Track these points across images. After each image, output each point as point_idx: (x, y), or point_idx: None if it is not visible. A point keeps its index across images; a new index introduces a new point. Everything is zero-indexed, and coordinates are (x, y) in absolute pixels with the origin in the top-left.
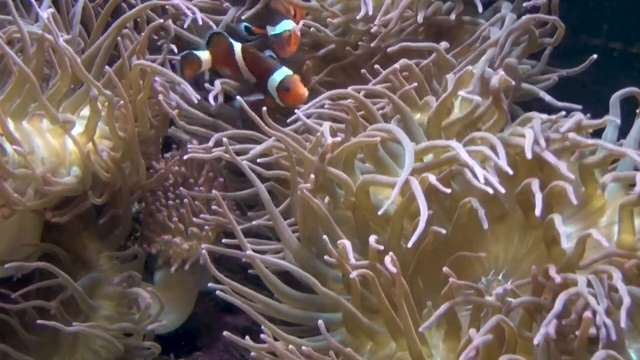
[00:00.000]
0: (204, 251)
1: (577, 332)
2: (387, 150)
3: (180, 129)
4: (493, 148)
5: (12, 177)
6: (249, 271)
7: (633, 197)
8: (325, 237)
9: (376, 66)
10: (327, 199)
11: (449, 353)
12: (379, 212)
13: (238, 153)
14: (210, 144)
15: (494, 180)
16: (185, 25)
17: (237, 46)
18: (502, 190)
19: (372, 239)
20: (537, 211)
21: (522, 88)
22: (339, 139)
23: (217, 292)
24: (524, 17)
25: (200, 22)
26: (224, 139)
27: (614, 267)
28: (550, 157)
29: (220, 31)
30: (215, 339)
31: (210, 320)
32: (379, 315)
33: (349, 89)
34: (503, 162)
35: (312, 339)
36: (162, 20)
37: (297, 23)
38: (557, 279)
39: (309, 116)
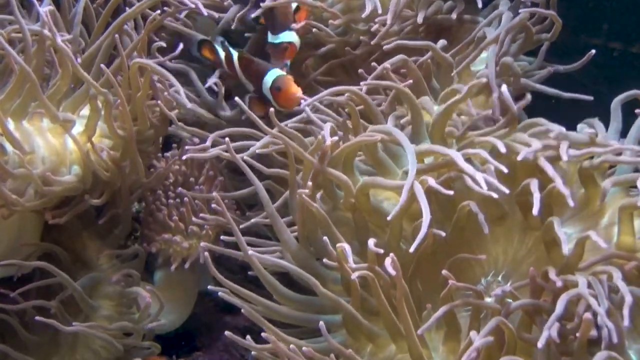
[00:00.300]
0: (205, 252)
1: (577, 333)
2: (387, 151)
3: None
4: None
5: (12, 177)
6: (249, 273)
7: (633, 201)
8: (325, 238)
9: (373, 63)
10: (320, 193)
11: (449, 355)
12: (388, 218)
13: (237, 151)
14: (208, 142)
15: (495, 181)
16: (182, 15)
17: (235, 54)
18: (506, 191)
19: (371, 242)
20: (535, 211)
21: (521, 85)
22: (336, 138)
23: (220, 294)
24: (520, 13)
25: (205, 13)
26: (227, 139)
27: (614, 267)
28: (548, 169)
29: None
30: (215, 339)
31: (210, 320)
32: (378, 317)
33: (353, 87)
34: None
35: (312, 341)
36: (159, 12)
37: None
38: (558, 282)
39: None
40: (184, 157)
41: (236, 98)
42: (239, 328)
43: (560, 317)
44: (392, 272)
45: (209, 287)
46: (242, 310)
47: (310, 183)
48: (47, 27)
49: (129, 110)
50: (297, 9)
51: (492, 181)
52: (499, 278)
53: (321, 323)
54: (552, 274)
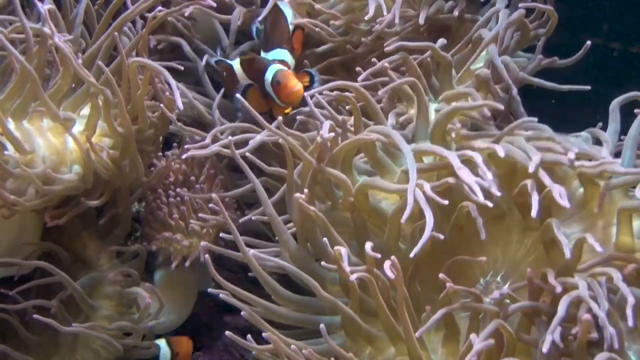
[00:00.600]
0: (206, 254)
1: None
2: (386, 150)
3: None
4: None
5: (12, 177)
6: (249, 274)
7: (632, 203)
8: (325, 240)
9: (373, 59)
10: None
11: (448, 356)
12: (402, 220)
13: (237, 145)
14: (208, 139)
15: (489, 184)
16: (187, 13)
17: (236, 63)
18: (498, 193)
19: (368, 246)
20: (534, 213)
21: (521, 81)
22: (333, 134)
23: (221, 295)
24: (518, 9)
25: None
26: (229, 137)
27: (614, 269)
28: (546, 180)
29: (219, 58)
30: (215, 339)
31: (210, 320)
32: (377, 318)
33: (355, 84)
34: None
35: (312, 342)
36: (160, 8)
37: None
38: (558, 288)
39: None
40: (183, 156)
41: (237, 95)
42: (239, 328)
43: (562, 320)
44: (392, 275)
45: (209, 289)
46: (242, 313)
47: (306, 190)
48: (46, 25)
49: (129, 109)
50: (295, 29)
51: (486, 185)
52: (498, 278)
53: (322, 326)
54: (551, 278)
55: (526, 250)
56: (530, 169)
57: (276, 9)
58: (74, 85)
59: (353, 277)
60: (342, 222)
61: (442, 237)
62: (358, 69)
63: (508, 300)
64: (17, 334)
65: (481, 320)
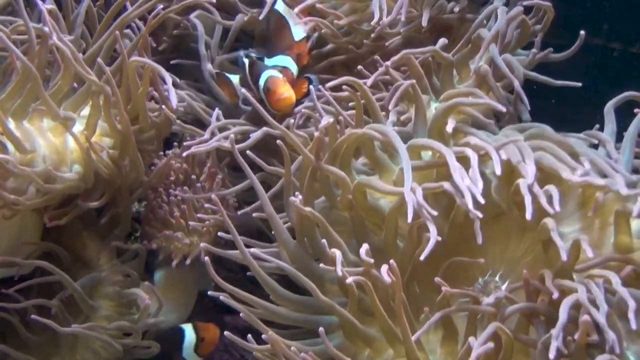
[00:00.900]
0: (205, 257)
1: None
2: (384, 149)
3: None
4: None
5: (13, 176)
6: (248, 273)
7: (628, 208)
8: (323, 241)
9: (376, 57)
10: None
11: (447, 357)
12: (408, 221)
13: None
14: (207, 135)
15: (478, 193)
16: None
17: (235, 78)
18: (482, 201)
19: (363, 250)
20: (528, 215)
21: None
22: (330, 120)
23: (221, 297)
24: (516, 6)
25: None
26: (231, 136)
27: (611, 272)
28: (542, 201)
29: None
30: None
31: (210, 320)
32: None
33: (358, 80)
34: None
35: (311, 342)
36: (160, 6)
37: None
38: (555, 294)
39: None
40: (184, 154)
41: (242, 89)
42: (239, 328)
43: (565, 325)
44: (388, 280)
45: (209, 292)
46: (241, 314)
47: (303, 191)
48: (47, 24)
49: (129, 109)
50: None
51: (476, 192)
52: (497, 278)
53: (321, 329)
54: (549, 281)
55: (525, 250)
56: (528, 180)
57: (279, 15)
58: (76, 85)
59: (349, 280)
60: (340, 221)
61: (439, 239)
62: (360, 67)
63: (506, 302)
64: (18, 334)
65: (479, 320)
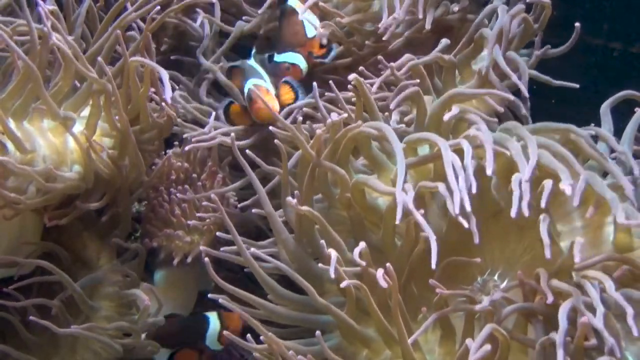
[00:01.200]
0: (205, 257)
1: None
2: (382, 148)
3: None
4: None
5: (13, 175)
6: (245, 269)
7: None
8: (322, 242)
9: (379, 57)
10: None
11: (445, 357)
12: (396, 221)
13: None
14: (207, 129)
15: (466, 200)
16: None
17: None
18: (468, 209)
19: (357, 250)
20: (512, 213)
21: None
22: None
23: (220, 300)
24: (518, 4)
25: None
26: (232, 134)
27: (605, 276)
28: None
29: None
30: None
31: None
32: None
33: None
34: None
35: (309, 341)
36: (158, 8)
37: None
38: (550, 297)
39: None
40: (186, 148)
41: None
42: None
43: (566, 332)
44: (384, 284)
45: (209, 295)
46: (240, 316)
47: (302, 190)
48: (47, 24)
49: (130, 108)
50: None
51: (464, 197)
52: (495, 277)
53: (318, 333)
54: (543, 283)
55: (524, 248)
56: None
57: (292, 11)
58: (77, 84)
59: (343, 284)
60: (339, 220)
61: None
62: (361, 68)
63: (504, 301)
64: (18, 334)
65: (477, 320)
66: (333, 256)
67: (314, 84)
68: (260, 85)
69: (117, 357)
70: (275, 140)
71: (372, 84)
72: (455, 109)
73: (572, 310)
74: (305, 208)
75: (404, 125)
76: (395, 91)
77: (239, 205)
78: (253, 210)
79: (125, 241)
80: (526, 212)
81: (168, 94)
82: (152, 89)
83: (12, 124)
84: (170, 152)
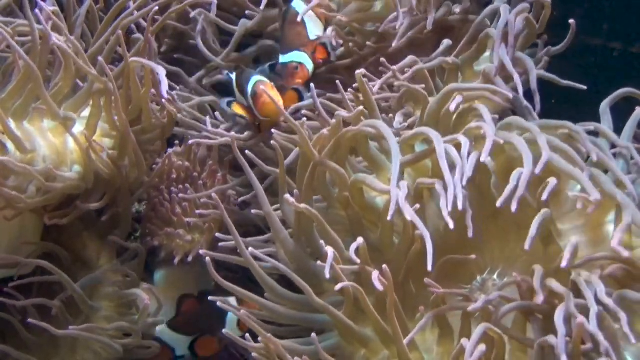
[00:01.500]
0: (208, 255)
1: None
2: (380, 148)
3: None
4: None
5: (14, 174)
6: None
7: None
8: (322, 242)
9: (382, 59)
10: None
11: (444, 356)
12: (388, 217)
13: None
14: (209, 125)
15: (460, 194)
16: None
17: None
18: (460, 207)
19: (353, 247)
20: (499, 202)
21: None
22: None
23: (218, 303)
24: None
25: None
26: (232, 134)
27: (598, 279)
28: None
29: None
30: None
31: None
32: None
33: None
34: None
35: (307, 340)
36: (157, 8)
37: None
38: (541, 297)
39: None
40: (190, 142)
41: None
42: None
43: (565, 337)
44: (380, 287)
45: (210, 297)
46: (243, 319)
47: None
48: (44, 23)
49: (131, 109)
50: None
51: (458, 193)
52: (495, 276)
53: (313, 335)
54: (537, 281)
55: (523, 247)
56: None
57: (294, 13)
58: (79, 83)
59: (338, 287)
60: (338, 220)
61: (429, 237)
62: (362, 70)
63: (500, 300)
64: (18, 335)
65: (476, 319)
66: (330, 255)
67: (312, 85)
68: (265, 81)
69: (117, 357)
70: (272, 142)
71: (374, 85)
72: (459, 98)
73: (568, 313)
74: (303, 206)
75: (406, 124)
76: (400, 94)
77: (239, 200)
78: (253, 211)
79: (125, 241)
80: (513, 207)
81: (164, 88)
82: (152, 90)
83: (12, 124)
84: (170, 150)
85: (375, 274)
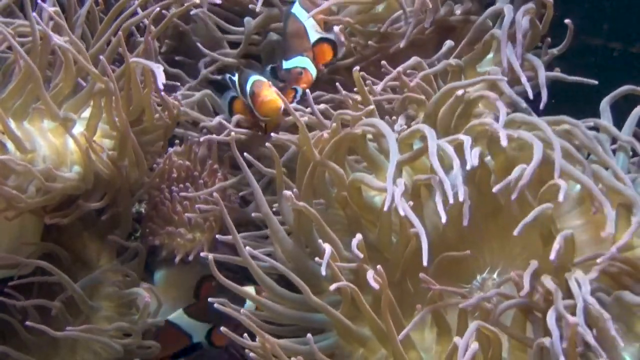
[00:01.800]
0: (209, 255)
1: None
2: (378, 147)
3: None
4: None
5: (14, 174)
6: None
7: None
8: (320, 241)
9: (383, 62)
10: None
11: (442, 355)
12: (385, 209)
13: None
14: (214, 122)
15: (461, 189)
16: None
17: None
18: (461, 198)
19: (355, 241)
20: (495, 188)
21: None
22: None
23: (215, 305)
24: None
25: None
26: (232, 134)
27: (586, 279)
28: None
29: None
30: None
31: None
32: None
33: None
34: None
35: (305, 340)
36: (157, 8)
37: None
38: (526, 287)
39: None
40: (202, 139)
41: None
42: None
43: (559, 338)
44: (376, 286)
45: (209, 299)
46: (241, 319)
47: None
48: (50, 24)
49: (132, 109)
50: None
51: (459, 189)
52: (495, 275)
53: (309, 335)
54: (526, 279)
55: (523, 247)
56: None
57: (294, 18)
58: (81, 82)
59: (333, 287)
60: (337, 220)
61: (424, 233)
62: (362, 73)
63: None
64: (18, 335)
65: (475, 318)
66: (327, 251)
67: (307, 91)
68: (262, 80)
69: (117, 357)
70: (267, 144)
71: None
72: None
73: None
74: (301, 203)
75: (405, 127)
76: (402, 97)
77: (239, 194)
78: (253, 215)
79: (125, 241)
80: (513, 195)
81: (160, 80)
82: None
83: (12, 124)
84: (171, 150)
85: (370, 273)
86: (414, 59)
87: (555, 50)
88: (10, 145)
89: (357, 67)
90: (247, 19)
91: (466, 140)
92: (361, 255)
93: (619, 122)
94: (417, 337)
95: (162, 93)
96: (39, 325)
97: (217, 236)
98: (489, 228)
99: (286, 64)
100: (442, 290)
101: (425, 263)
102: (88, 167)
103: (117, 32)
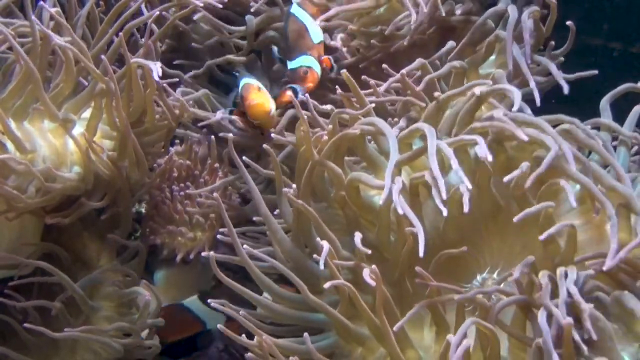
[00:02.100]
0: (210, 253)
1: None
2: (377, 147)
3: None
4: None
5: (14, 174)
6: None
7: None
8: (318, 240)
9: (384, 65)
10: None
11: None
12: (380, 202)
13: None
14: (217, 117)
15: (465, 180)
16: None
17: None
18: (444, 196)
19: (358, 238)
20: (506, 178)
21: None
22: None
23: (212, 304)
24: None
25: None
26: (230, 135)
27: (575, 272)
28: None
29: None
30: (215, 338)
31: None
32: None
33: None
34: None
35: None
36: (156, 11)
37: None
38: (515, 274)
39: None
40: (200, 125)
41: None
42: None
43: (552, 338)
44: (372, 282)
45: (209, 300)
46: (239, 319)
47: (295, 186)
48: (50, 24)
49: (133, 110)
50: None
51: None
52: (495, 275)
53: (305, 334)
54: (517, 273)
55: (523, 246)
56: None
57: (294, 18)
58: (82, 81)
59: (327, 284)
60: (336, 220)
61: (422, 241)
62: (364, 77)
63: (501, 294)
64: (17, 335)
65: (474, 316)
66: (325, 248)
67: (306, 95)
68: (251, 83)
69: (117, 357)
70: (265, 145)
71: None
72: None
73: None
74: (299, 202)
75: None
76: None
77: (239, 192)
78: (254, 219)
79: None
80: (527, 183)
81: (156, 74)
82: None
83: (12, 124)
84: (172, 150)
85: (366, 271)
86: (418, 61)
87: (559, 53)
88: (10, 145)
89: (345, 70)
90: (248, 17)
91: (478, 137)
92: (368, 252)
93: (619, 121)
94: (416, 336)
95: (164, 95)
96: (37, 327)
97: (217, 236)
98: (489, 228)
99: (291, 64)
100: (440, 287)
101: (421, 254)
102: (88, 168)
103: (118, 33)
